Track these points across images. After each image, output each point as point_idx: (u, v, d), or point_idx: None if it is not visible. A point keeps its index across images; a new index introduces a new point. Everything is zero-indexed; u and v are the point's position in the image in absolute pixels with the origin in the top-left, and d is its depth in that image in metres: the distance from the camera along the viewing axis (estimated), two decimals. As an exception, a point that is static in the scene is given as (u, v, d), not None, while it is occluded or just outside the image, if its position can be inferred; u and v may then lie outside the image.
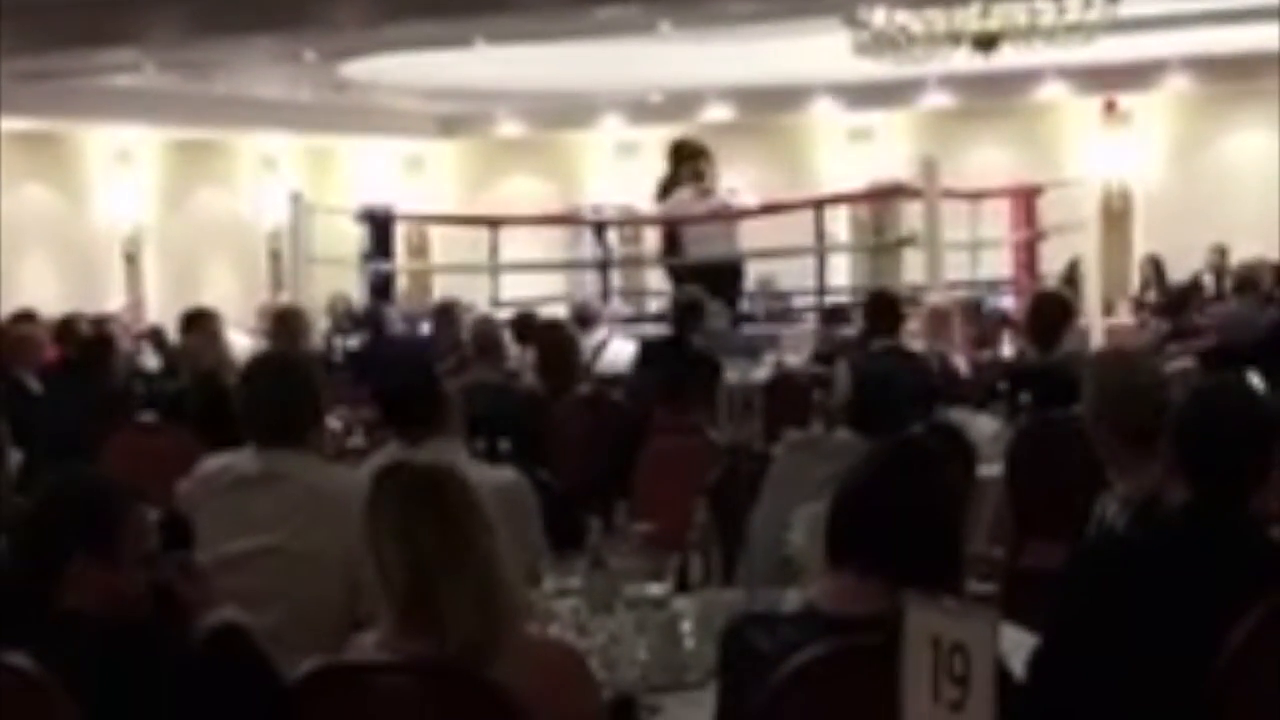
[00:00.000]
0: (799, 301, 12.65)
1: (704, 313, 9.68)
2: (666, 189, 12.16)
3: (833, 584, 2.81)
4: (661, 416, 6.84)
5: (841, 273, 14.23)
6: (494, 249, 13.16)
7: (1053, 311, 7.36)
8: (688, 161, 12.05)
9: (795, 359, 9.29)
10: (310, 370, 4.33)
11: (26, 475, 4.77)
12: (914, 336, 7.79)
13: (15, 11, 10.39)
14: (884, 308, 7.66)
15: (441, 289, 15.30)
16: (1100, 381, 3.99)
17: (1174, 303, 10.43)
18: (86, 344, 8.68)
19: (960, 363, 7.72)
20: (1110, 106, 16.69)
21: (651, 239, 12.70)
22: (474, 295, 11.76)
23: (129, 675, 2.84)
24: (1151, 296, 14.35)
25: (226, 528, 3.96)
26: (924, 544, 2.77)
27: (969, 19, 11.66)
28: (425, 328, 11.90)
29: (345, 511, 3.86)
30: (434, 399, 4.45)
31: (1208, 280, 14.27)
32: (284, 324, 8.69)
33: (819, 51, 13.22)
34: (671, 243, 12.19)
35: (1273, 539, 3.06)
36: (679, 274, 11.76)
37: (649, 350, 9.12)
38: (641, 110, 17.34)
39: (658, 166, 12.86)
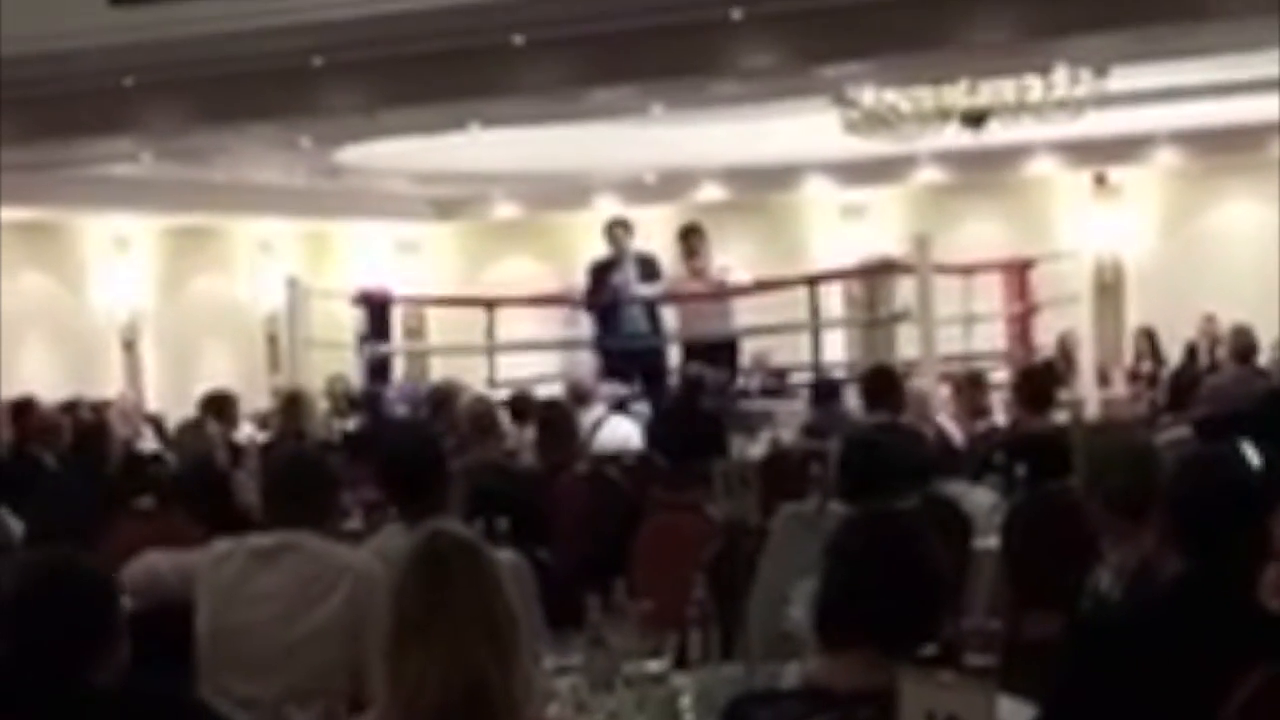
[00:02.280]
0: (794, 378, 12.68)
1: (707, 387, 9.79)
2: (602, 270, 12.19)
3: (830, 659, 2.82)
4: (659, 494, 6.85)
5: (836, 348, 14.26)
6: (490, 330, 13.20)
7: (1040, 377, 7.57)
8: (613, 237, 12.22)
9: (790, 435, 9.30)
10: (328, 459, 4.48)
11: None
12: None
13: (13, 103, 10.48)
14: (883, 383, 7.69)
15: (439, 370, 15.31)
16: (1091, 453, 4.02)
17: (1180, 387, 10.16)
18: (83, 432, 8.75)
19: (954, 432, 7.74)
20: (1100, 180, 16.77)
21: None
22: (471, 376, 11.78)
23: None
24: (1146, 368, 14.38)
25: (235, 598, 4.03)
26: (914, 613, 2.79)
27: (957, 96, 11.72)
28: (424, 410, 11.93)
29: (351, 585, 3.93)
30: (440, 477, 4.49)
31: (1202, 348, 14.32)
32: (292, 406, 8.82)
33: (810, 130, 13.31)
34: (605, 323, 12.20)
35: (1266, 608, 3.07)
36: (612, 356, 11.85)
37: (659, 423, 9.19)
38: (636, 191, 17.43)
39: (652, 245, 12.93)
